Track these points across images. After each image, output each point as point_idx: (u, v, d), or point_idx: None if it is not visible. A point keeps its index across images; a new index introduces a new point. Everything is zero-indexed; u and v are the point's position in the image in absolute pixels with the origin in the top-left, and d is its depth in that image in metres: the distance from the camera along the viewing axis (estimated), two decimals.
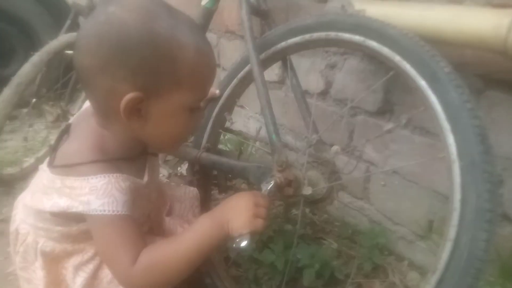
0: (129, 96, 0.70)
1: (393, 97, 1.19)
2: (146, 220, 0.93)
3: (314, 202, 1.05)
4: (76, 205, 0.71)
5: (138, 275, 0.71)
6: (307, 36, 1.02)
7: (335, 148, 1.01)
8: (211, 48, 0.79)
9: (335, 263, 1.22)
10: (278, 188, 0.95)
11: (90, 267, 0.82)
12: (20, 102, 1.74)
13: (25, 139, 2.06)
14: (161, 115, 0.75)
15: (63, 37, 1.82)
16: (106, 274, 0.82)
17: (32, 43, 2.71)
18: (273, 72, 1.61)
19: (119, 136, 0.78)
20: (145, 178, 0.85)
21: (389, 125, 0.88)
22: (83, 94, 2.22)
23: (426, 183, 1.18)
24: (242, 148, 1.27)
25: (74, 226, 0.79)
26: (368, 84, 1.22)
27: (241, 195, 0.80)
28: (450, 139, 0.75)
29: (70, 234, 0.80)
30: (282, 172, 0.96)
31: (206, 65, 0.77)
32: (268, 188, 0.92)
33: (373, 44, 0.91)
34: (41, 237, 0.82)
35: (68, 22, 1.96)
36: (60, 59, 1.88)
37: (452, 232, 0.74)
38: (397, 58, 0.87)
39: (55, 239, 0.82)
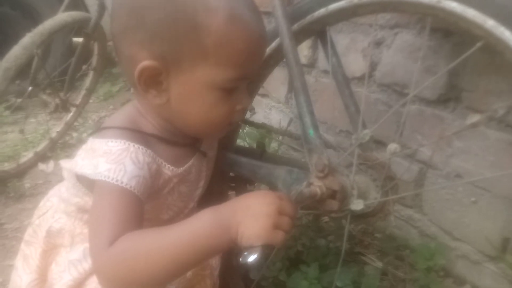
0: (143, 64, 0.62)
1: (462, 81, 0.93)
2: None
3: (361, 216, 0.81)
4: (87, 167, 0.64)
5: (109, 259, 0.57)
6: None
7: (393, 146, 0.76)
8: (257, 18, 0.65)
9: None
10: (318, 200, 0.72)
11: (85, 266, 0.71)
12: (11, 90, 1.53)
13: (21, 131, 1.86)
14: (184, 93, 0.65)
15: (60, 17, 1.60)
16: (91, 281, 0.71)
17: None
18: (301, 53, 1.36)
19: (152, 113, 0.71)
20: (181, 169, 0.74)
21: (474, 117, 0.63)
22: (85, 83, 2.02)
23: (502, 190, 0.92)
24: (265, 144, 1.02)
25: (91, 200, 0.69)
26: (428, 64, 0.97)
27: (263, 195, 0.61)
28: None
29: (85, 209, 0.74)
30: (323, 179, 0.72)
31: (242, 36, 0.62)
32: (297, 194, 0.69)
33: (452, 5, 0.66)
34: (59, 212, 0.78)
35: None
36: (58, 42, 1.67)
37: None
38: (489, 23, 0.62)
39: (70, 214, 0.76)
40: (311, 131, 0.74)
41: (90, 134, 0.71)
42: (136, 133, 0.67)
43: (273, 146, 1.54)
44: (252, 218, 0.57)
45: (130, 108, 0.73)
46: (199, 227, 0.57)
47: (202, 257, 0.58)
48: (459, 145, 0.97)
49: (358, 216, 0.81)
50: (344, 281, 0.87)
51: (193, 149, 0.78)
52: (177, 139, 0.74)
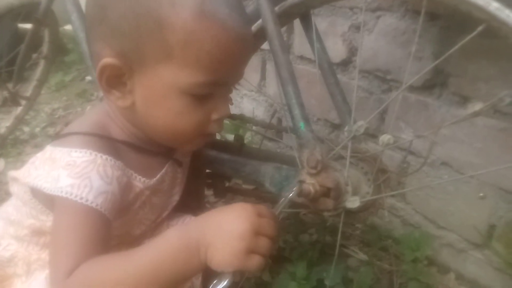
0: (103, 62, 0.56)
1: (449, 66, 0.89)
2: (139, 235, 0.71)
3: (352, 212, 0.76)
4: (44, 178, 0.57)
5: None
6: None
7: (386, 137, 0.71)
8: (237, 16, 0.56)
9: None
10: (312, 199, 0.66)
11: None
12: None
13: None
14: (148, 96, 0.58)
15: (5, 0, 1.43)
16: None
17: None
18: None
19: (120, 117, 0.64)
20: (154, 180, 0.67)
21: (476, 105, 0.59)
22: (36, 73, 1.86)
23: (489, 178, 0.90)
24: (243, 137, 0.95)
25: (49, 220, 0.62)
26: (413, 49, 0.92)
27: (239, 210, 0.51)
28: None
29: (42, 232, 0.65)
30: (315, 176, 0.67)
31: (213, 35, 0.54)
32: (287, 199, 0.62)
33: None
34: (8, 237, 0.68)
35: None
36: (4, 28, 1.50)
37: None
38: (494, 5, 0.58)
39: (22, 239, 0.67)
40: (302, 124, 0.68)
41: (52, 138, 0.62)
42: (104, 141, 0.60)
43: (246, 137, 1.47)
44: (222, 240, 0.49)
45: (100, 111, 0.65)
46: (164, 251, 0.50)
47: (172, 283, 0.50)
48: (444, 132, 0.94)
49: (348, 212, 0.76)
50: (335, 279, 0.83)
51: (167, 157, 0.71)
52: (149, 146, 0.67)
